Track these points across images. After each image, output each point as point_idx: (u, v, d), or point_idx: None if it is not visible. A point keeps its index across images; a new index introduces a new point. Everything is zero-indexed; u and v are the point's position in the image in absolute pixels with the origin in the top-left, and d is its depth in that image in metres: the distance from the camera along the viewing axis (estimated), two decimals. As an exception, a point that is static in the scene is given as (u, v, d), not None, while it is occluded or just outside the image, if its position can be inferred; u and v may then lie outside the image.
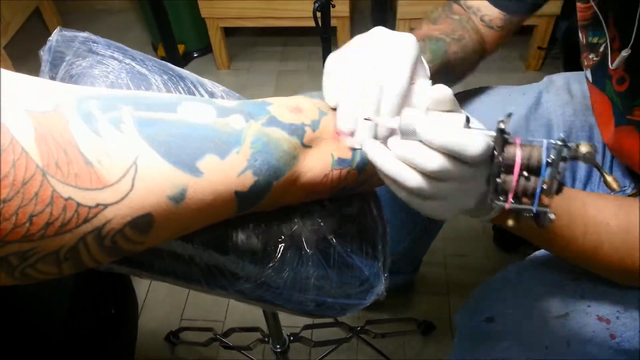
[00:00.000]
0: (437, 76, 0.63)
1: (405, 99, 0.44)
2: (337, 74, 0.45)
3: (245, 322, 1.22)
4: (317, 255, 0.46)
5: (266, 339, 1.08)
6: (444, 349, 1.21)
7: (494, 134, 0.37)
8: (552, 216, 0.38)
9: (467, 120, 0.39)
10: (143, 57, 0.50)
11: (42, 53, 0.46)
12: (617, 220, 0.51)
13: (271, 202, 0.40)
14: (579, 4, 0.69)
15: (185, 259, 0.41)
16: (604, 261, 0.53)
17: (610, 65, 0.63)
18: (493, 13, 0.73)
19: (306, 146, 0.41)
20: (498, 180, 0.37)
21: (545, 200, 0.38)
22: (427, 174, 0.38)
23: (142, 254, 0.40)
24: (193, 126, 0.35)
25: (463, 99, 0.84)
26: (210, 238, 0.41)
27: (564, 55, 1.88)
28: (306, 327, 1.16)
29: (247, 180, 0.36)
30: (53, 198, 0.27)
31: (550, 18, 1.80)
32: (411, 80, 0.44)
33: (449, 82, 0.70)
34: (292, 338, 1.01)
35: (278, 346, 0.92)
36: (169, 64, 0.52)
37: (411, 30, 0.66)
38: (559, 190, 0.36)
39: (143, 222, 0.31)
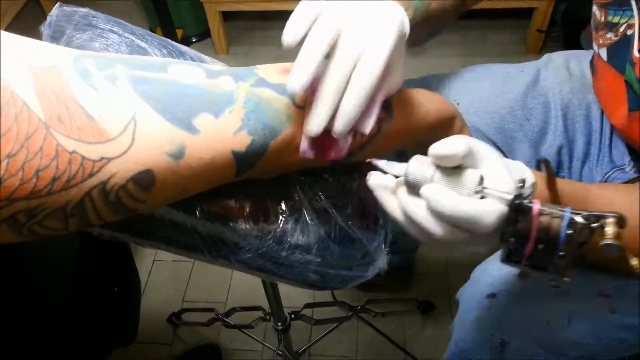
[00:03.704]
0: (416, 31, 0.61)
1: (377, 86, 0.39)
2: (310, 13, 0.38)
3: (246, 302, 1.23)
4: (318, 227, 0.46)
5: (267, 317, 1.09)
6: (444, 328, 1.22)
7: (510, 196, 0.34)
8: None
9: (481, 180, 0.36)
10: (143, 32, 0.50)
11: (42, 28, 0.47)
12: (630, 211, 0.50)
13: (270, 165, 0.41)
14: None
15: (188, 228, 0.41)
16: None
17: (636, 52, 0.62)
18: None
19: (299, 107, 0.41)
20: (510, 242, 0.35)
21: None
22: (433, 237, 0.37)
23: (146, 223, 0.41)
24: (185, 86, 0.35)
25: (460, 77, 0.84)
26: (212, 209, 0.42)
27: (563, 37, 1.87)
28: (307, 305, 1.17)
29: (243, 139, 0.37)
30: (58, 152, 0.27)
31: (550, 1, 1.78)
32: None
33: (425, 37, 0.69)
34: (293, 316, 1.02)
35: (279, 324, 0.94)
36: (168, 40, 0.52)
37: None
38: (571, 266, 0.34)
39: (145, 179, 0.31)
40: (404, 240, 1.13)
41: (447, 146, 0.36)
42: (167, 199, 0.36)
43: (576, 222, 0.32)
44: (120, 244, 0.79)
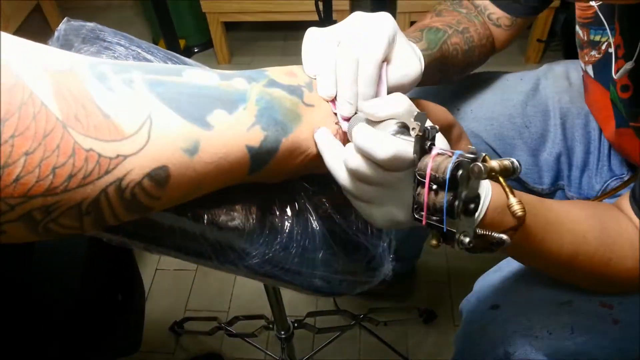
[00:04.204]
0: (434, 66, 0.64)
1: (380, 71, 0.45)
2: (315, 47, 0.46)
3: (249, 311, 1.23)
4: (323, 233, 0.47)
5: (270, 326, 1.10)
6: (446, 337, 1.22)
7: (412, 139, 0.35)
8: (500, 236, 0.35)
9: (405, 127, 0.38)
10: (148, 45, 0.51)
11: (50, 43, 0.47)
12: (592, 231, 0.51)
13: (281, 165, 0.42)
14: (578, 3, 0.69)
15: (196, 235, 0.42)
16: (579, 271, 0.53)
17: (613, 74, 0.63)
18: (499, 13, 0.73)
19: (308, 105, 0.43)
20: (417, 191, 0.36)
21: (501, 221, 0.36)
22: (351, 173, 0.40)
23: (155, 230, 0.42)
24: (199, 86, 0.36)
25: (460, 85, 0.85)
26: (219, 215, 0.42)
27: (563, 47, 1.89)
28: (309, 314, 1.17)
29: (257, 135, 0.38)
30: (75, 150, 0.28)
31: (549, 10, 1.80)
32: (386, 54, 0.45)
33: (449, 75, 0.71)
34: (296, 324, 1.02)
35: (282, 332, 0.94)
36: (174, 53, 0.53)
37: (412, 23, 0.66)
38: (466, 211, 0.34)
39: (160, 175, 0.32)
40: (407, 245, 1.13)
41: (379, 109, 0.40)
42: (182, 197, 0.36)
43: (464, 160, 0.33)
44: (126, 252, 0.80)
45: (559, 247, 0.49)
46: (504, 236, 0.36)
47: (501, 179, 0.35)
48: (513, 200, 0.38)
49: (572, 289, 0.63)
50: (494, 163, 0.34)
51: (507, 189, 0.38)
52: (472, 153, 0.33)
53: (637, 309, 0.61)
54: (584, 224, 0.51)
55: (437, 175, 0.33)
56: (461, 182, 0.33)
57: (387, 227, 0.42)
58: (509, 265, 0.71)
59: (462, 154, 0.33)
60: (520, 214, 0.39)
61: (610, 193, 0.76)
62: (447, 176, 0.32)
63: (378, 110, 0.40)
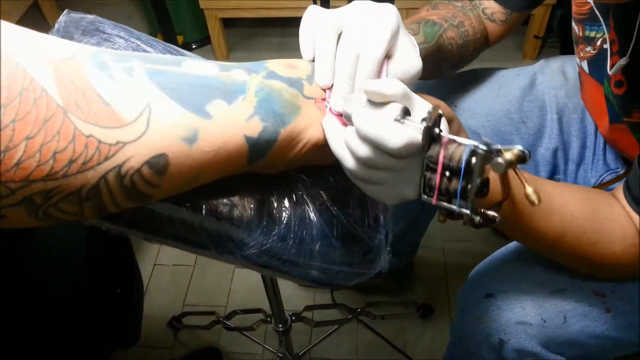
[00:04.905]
0: (430, 60, 0.64)
1: (381, 66, 0.44)
2: (314, 28, 0.46)
3: (247, 305, 1.23)
4: (321, 225, 0.47)
5: (268, 319, 1.10)
6: (443, 331, 1.23)
7: (422, 125, 0.35)
8: (493, 214, 0.36)
9: (406, 112, 0.38)
10: (148, 37, 0.52)
11: (51, 34, 0.48)
12: (582, 212, 0.52)
13: (280, 156, 0.42)
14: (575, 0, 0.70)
15: (195, 225, 0.42)
16: (566, 250, 0.53)
17: (608, 70, 0.63)
18: (494, 7, 0.73)
19: (308, 97, 0.43)
20: (426, 174, 0.37)
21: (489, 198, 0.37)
22: (359, 161, 0.40)
23: (153, 220, 0.42)
24: (199, 77, 0.37)
25: (457, 81, 0.85)
26: (218, 206, 0.43)
27: (560, 43, 1.89)
28: (307, 308, 1.18)
29: (256, 125, 0.38)
30: (75, 135, 0.29)
31: (546, 7, 1.81)
32: (388, 49, 0.44)
33: (442, 69, 0.72)
34: (293, 318, 1.03)
35: (280, 326, 0.94)
36: (173, 45, 0.53)
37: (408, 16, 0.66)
38: (479, 195, 0.35)
39: (159, 163, 0.33)
40: (404, 241, 1.14)
41: (386, 87, 0.38)
42: (181, 186, 0.37)
43: (478, 150, 0.33)
44: (124, 245, 0.80)
45: (547, 224, 0.51)
46: (496, 214, 0.37)
47: (517, 170, 0.36)
48: (530, 190, 0.39)
49: (565, 277, 0.64)
50: (509, 155, 0.34)
51: (523, 179, 0.39)
52: (485, 144, 0.33)
53: (630, 298, 0.62)
54: (574, 204, 0.52)
55: (450, 164, 0.34)
56: (475, 170, 0.34)
57: (395, 204, 0.43)
58: (503, 255, 0.72)
59: (475, 145, 0.34)
60: (537, 203, 0.40)
61: (603, 186, 0.76)
62: (463, 165, 0.34)
63: (384, 88, 0.38)
